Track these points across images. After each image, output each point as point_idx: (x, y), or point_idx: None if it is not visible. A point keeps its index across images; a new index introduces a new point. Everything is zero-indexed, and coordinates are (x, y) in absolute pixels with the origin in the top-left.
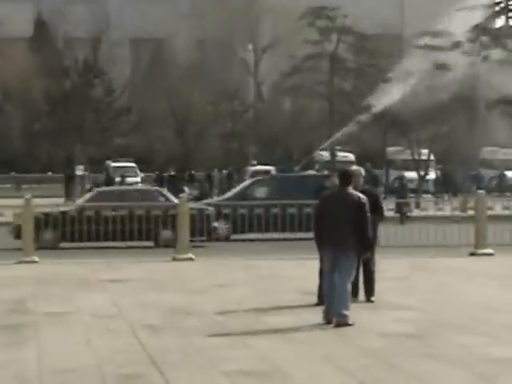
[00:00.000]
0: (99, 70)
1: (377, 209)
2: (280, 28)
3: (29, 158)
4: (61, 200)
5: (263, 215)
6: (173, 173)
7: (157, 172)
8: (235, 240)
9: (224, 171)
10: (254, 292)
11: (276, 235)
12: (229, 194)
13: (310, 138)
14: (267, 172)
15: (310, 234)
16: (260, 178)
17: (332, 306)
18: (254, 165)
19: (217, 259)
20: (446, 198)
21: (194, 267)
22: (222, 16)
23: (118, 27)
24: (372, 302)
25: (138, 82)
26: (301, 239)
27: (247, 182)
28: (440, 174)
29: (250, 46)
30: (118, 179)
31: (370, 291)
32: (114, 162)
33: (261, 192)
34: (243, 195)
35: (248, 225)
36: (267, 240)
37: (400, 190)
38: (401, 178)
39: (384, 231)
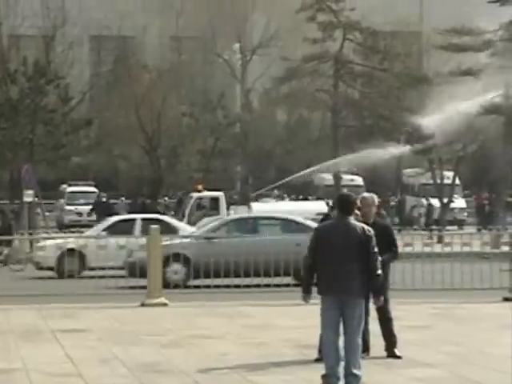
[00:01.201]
0: (53, 74)
1: (389, 245)
2: (273, 24)
3: None
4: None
5: None
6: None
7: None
8: None
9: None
10: (239, 345)
11: None
12: None
13: (310, 156)
14: (215, 199)
15: None
16: None
17: (338, 367)
18: (200, 190)
19: (196, 305)
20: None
21: (168, 314)
22: (202, 9)
23: (76, 22)
24: (400, 357)
25: (100, 89)
26: None
27: None
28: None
29: (237, 46)
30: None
31: (392, 343)
32: (70, 185)
33: None
34: None
35: None
36: None
37: None
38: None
39: (400, 271)
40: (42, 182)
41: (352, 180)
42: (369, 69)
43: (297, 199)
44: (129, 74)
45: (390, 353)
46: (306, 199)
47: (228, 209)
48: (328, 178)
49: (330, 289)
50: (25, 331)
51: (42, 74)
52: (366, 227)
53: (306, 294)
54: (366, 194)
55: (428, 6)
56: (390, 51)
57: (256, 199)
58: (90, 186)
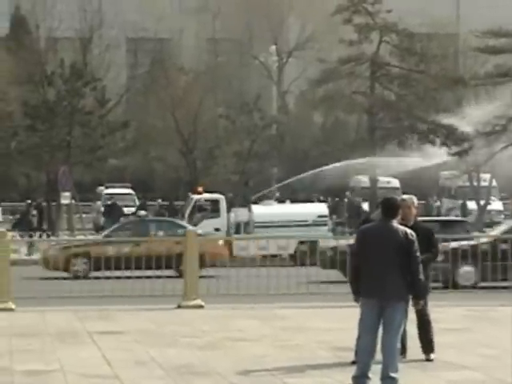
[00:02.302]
0: (90, 76)
1: (430, 247)
2: (309, 26)
3: (4, 182)
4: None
5: None
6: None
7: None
8: None
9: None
10: (275, 347)
11: None
12: None
13: (346, 159)
14: (215, 201)
15: None
16: None
17: (368, 368)
18: (200, 192)
19: (231, 307)
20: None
21: (204, 316)
22: (239, 11)
23: (113, 25)
24: (431, 360)
25: (137, 91)
26: None
27: None
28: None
29: (273, 48)
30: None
31: (429, 347)
32: (107, 187)
33: None
34: None
35: None
36: None
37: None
38: (358, 207)
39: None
40: (78, 183)
41: (388, 182)
42: (405, 71)
43: (298, 201)
44: (165, 76)
45: (427, 356)
46: (308, 201)
47: (229, 211)
48: (364, 181)
49: (371, 291)
50: (61, 333)
51: (79, 77)
52: (408, 231)
53: (356, 295)
54: (405, 196)
55: (465, 8)
56: (427, 53)
57: (257, 202)
58: (126, 187)
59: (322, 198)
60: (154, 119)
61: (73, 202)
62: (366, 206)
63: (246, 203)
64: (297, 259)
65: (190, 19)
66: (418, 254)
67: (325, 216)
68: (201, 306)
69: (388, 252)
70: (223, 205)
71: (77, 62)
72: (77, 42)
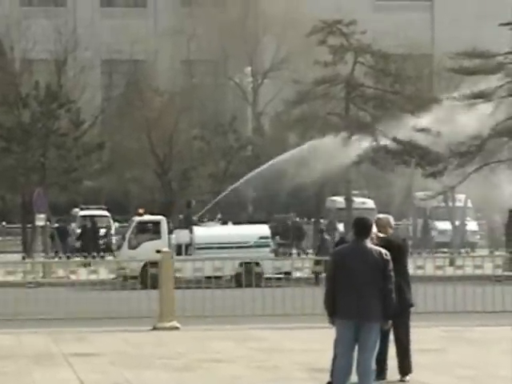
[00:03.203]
0: (65, 98)
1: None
2: (284, 47)
3: None
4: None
5: None
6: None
7: None
8: None
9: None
10: (251, 368)
11: None
12: None
13: (322, 180)
14: (156, 223)
15: None
16: None
17: None
18: (141, 214)
19: (207, 328)
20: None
21: (180, 338)
22: (213, 33)
23: (88, 46)
24: (405, 381)
25: (112, 113)
26: None
27: None
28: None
29: (248, 69)
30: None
31: (406, 368)
32: (82, 209)
33: None
34: None
35: None
36: None
37: (320, 247)
38: (321, 231)
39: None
40: (53, 205)
41: (363, 203)
42: (380, 92)
43: (240, 223)
44: (140, 98)
45: (403, 377)
46: (250, 223)
47: (171, 233)
48: (340, 201)
49: (348, 312)
50: (37, 355)
51: (54, 98)
52: (383, 251)
53: (332, 318)
54: (381, 215)
55: (439, 29)
56: (401, 74)
57: (198, 223)
58: (101, 209)
59: (298, 218)
60: (129, 141)
61: (48, 223)
62: (341, 227)
63: (188, 224)
64: (242, 281)
65: (164, 41)
66: (392, 273)
67: (267, 237)
68: (176, 328)
69: (363, 273)
70: (164, 226)
71: (51, 84)
72: (51, 64)
